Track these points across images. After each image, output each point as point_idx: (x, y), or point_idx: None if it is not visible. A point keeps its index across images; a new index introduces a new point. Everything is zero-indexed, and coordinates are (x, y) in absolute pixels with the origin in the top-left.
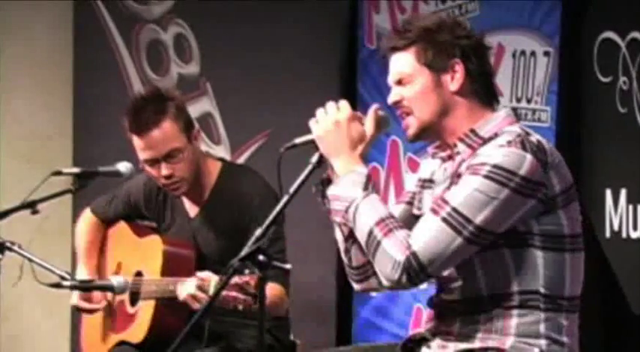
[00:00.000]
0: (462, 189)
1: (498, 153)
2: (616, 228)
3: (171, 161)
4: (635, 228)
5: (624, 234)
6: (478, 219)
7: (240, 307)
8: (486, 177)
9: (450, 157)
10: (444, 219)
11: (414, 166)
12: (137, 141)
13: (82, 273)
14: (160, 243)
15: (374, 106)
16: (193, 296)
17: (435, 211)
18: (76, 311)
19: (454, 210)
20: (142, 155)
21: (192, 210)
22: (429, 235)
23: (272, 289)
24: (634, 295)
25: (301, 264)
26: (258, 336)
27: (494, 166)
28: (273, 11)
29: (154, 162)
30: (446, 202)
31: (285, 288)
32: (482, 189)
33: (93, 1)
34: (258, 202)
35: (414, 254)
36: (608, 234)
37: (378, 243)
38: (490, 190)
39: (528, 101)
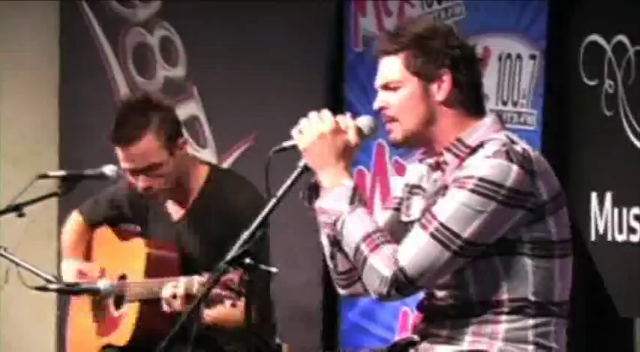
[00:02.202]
0: (450, 204)
1: (484, 165)
2: (601, 231)
3: (150, 174)
4: (620, 231)
5: (609, 237)
6: (466, 234)
7: (227, 304)
8: (473, 190)
9: (438, 166)
10: (432, 235)
11: (400, 169)
12: (118, 151)
13: (69, 266)
14: (143, 246)
15: (359, 118)
16: (173, 296)
17: (423, 226)
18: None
19: (442, 225)
20: (123, 164)
21: (176, 213)
22: (417, 250)
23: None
24: (620, 298)
25: (287, 267)
26: (246, 339)
27: (481, 179)
28: (260, 14)
29: (133, 172)
30: (434, 217)
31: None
32: (470, 203)
33: (79, 4)
34: (244, 207)
35: (401, 269)
36: (593, 237)
37: (365, 259)
38: (477, 204)
39: (514, 104)
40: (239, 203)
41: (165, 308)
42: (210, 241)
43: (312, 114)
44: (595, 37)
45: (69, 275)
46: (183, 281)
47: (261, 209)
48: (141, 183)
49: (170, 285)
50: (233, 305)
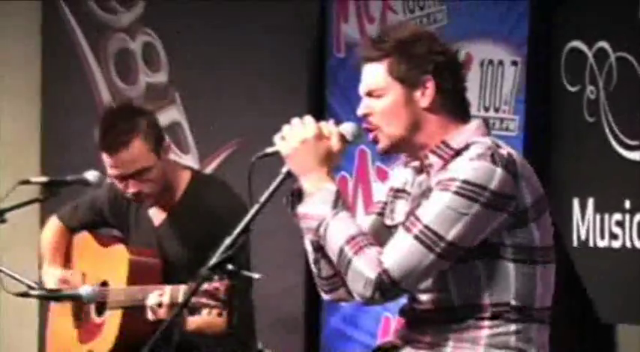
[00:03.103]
0: (433, 206)
1: (468, 168)
2: (583, 237)
3: (140, 179)
4: (602, 237)
5: (591, 243)
6: (450, 236)
7: (213, 313)
8: (456, 193)
9: (423, 169)
10: (416, 237)
11: (382, 176)
12: (106, 158)
13: (50, 272)
14: (126, 252)
15: (342, 125)
16: (158, 305)
17: (407, 228)
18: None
19: (426, 227)
20: (111, 171)
21: (157, 217)
22: (401, 252)
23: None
24: (601, 304)
25: (270, 272)
26: (228, 344)
27: (464, 181)
28: (242, 20)
29: (122, 179)
30: (418, 219)
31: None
32: (453, 205)
33: (61, 9)
34: (225, 212)
35: (385, 271)
36: (575, 243)
37: (349, 262)
38: (460, 206)
39: (496, 110)
40: (219, 207)
41: (150, 316)
42: (191, 246)
43: (295, 121)
44: (577, 43)
45: (50, 281)
46: (169, 289)
47: (241, 214)
48: (131, 188)
49: (155, 294)
50: (219, 315)
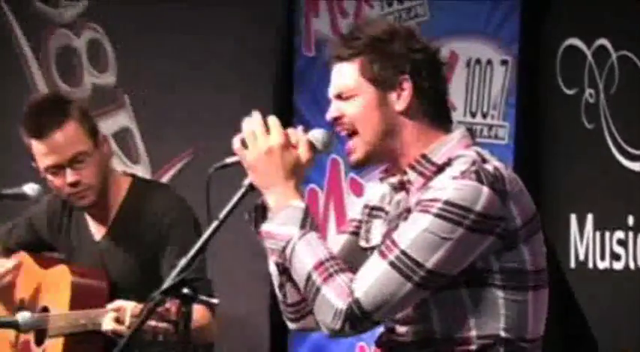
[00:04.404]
0: (412, 229)
1: (451, 187)
2: (582, 257)
3: (78, 166)
4: (602, 257)
5: (590, 265)
6: (430, 263)
7: (161, 337)
8: (438, 215)
9: (402, 186)
10: (392, 263)
11: (356, 188)
12: (38, 146)
13: None
14: (68, 274)
15: (312, 132)
16: (114, 332)
17: (382, 254)
18: None
19: (403, 253)
20: (44, 161)
21: (98, 231)
22: (375, 280)
23: (198, 312)
24: (601, 332)
25: (230, 297)
26: None
27: (447, 203)
28: (200, 15)
29: (58, 168)
30: (394, 244)
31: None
32: (434, 229)
33: None
34: (169, 220)
35: (356, 301)
36: (572, 264)
37: (317, 290)
38: (442, 230)
39: (484, 116)
40: (159, 209)
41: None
42: (136, 262)
43: (255, 117)
44: (574, 41)
45: None
46: (129, 307)
47: (186, 215)
48: (69, 177)
49: (110, 317)
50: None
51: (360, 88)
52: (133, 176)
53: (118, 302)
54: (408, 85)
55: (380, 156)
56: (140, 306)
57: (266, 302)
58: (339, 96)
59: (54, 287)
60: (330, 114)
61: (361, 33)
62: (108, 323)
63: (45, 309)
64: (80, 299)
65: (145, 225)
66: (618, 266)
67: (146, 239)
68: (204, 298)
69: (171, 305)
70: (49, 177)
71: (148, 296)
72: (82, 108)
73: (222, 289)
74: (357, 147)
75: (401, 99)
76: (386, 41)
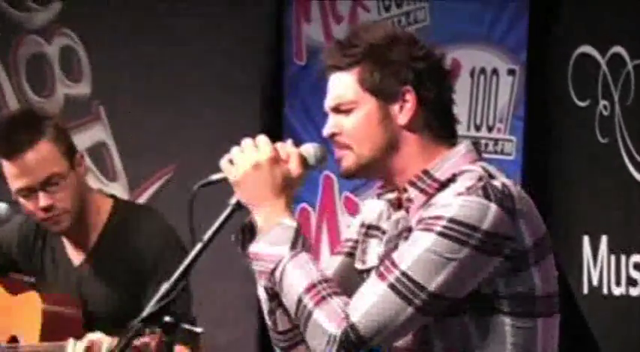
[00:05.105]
0: (413, 249)
1: (455, 204)
2: (595, 282)
3: (51, 189)
4: (618, 282)
5: (605, 290)
6: (432, 286)
7: None
8: (441, 234)
9: (401, 204)
10: (391, 286)
11: (351, 207)
12: (8, 167)
13: None
14: (39, 301)
15: (303, 146)
16: None
17: (381, 275)
18: None
19: (404, 274)
20: (16, 183)
21: (76, 257)
22: (372, 304)
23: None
24: None
25: (216, 324)
26: None
27: (451, 220)
28: (182, 20)
29: (30, 191)
30: (394, 265)
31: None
32: (437, 248)
33: None
34: (156, 248)
35: (352, 326)
36: (585, 289)
37: (310, 314)
38: (446, 250)
39: (489, 129)
40: (144, 236)
41: None
42: (116, 291)
43: (247, 142)
44: (586, 49)
45: None
46: (105, 341)
47: (173, 243)
48: (42, 200)
49: (81, 347)
50: None
51: (359, 99)
52: (114, 197)
53: (96, 335)
54: (411, 96)
55: (376, 171)
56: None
57: (254, 329)
58: (336, 109)
59: (23, 315)
60: (327, 130)
61: (359, 39)
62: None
63: (14, 339)
64: (52, 328)
65: (130, 253)
66: (635, 292)
67: (129, 267)
68: (187, 326)
69: (150, 340)
70: (21, 200)
71: (127, 326)
72: (57, 126)
73: (207, 316)
74: (348, 157)
75: (403, 112)
76: (386, 48)
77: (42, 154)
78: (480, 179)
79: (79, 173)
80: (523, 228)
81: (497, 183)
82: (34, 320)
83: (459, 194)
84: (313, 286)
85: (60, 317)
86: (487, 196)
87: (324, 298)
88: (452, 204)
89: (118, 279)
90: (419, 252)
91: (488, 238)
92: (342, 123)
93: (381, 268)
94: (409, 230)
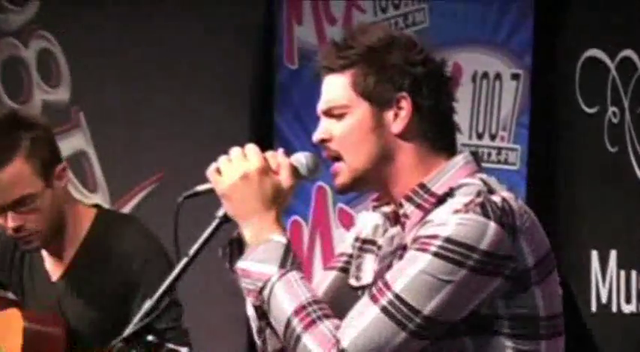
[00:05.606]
0: (408, 270)
1: (452, 222)
2: (604, 300)
3: (21, 210)
4: (628, 300)
5: (614, 308)
6: (427, 310)
7: None
8: (437, 254)
9: (397, 219)
10: (384, 309)
11: (346, 220)
12: None
13: None
14: (20, 319)
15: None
16: None
17: (373, 297)
18: None
19: (397, 297)
20: None
21: (55, 270)
22: (364, 328)
23: None
24: None
25: (203, 342)
26: None
27: (447, 240)
28: (168, 22)
29: (1, 210)
30: (387, 286)
31: None
32: (432, 270)
33: None
34: (141, 262)
35: None
36: (594, 307)
37: (298, 338)
38: (442, 271)
39: (492, 138)
40: (128, 248)
41: None
42: (98, 307)
43: (235, 151)
44: (595, 52)
45: None
46: None
47: (158, 256)
48: (10, 222)
49: None
50: None
51: (351, 103)
52: (98, 207)
53: None
54: (406, 103)
55: (370, 183)
56: None
57: (243, 349)
58: (328, 113)
59: (3, 333)
60: (316, 136)
61: (355, 41)
62: None
63: None
64: (33, 348)
65: (112, 266)
66: None
67: (112, 282)
68: (171, 346)
69: None
70: None
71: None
72: (36, 139)
73: (193, 334)
74: (342, 172)
75: (398, 120)
76: (382, 51)
77: (12, 176)
78: (479, 194)
79: (57, 188)
80: (524, 245)
81: (496, 198)
82: (14, 338)
83: (456, 211)
84: (302, 308)
85: (41, 337)
86: (485, 214)
87: (313, 321)
88: (448, 222)
89: (99, 295)
90: (413, 274)
91: (486, 258)
92: (332, 128)
93: (374, 290)
94: (404, 248)
